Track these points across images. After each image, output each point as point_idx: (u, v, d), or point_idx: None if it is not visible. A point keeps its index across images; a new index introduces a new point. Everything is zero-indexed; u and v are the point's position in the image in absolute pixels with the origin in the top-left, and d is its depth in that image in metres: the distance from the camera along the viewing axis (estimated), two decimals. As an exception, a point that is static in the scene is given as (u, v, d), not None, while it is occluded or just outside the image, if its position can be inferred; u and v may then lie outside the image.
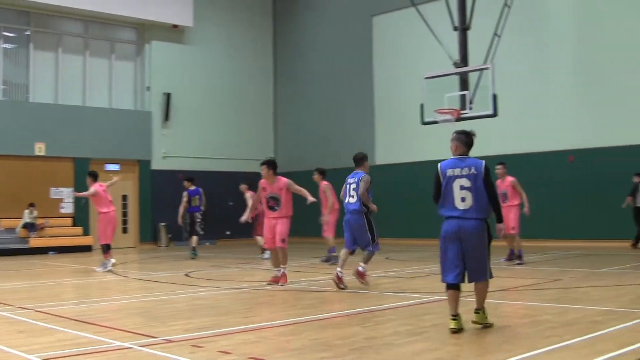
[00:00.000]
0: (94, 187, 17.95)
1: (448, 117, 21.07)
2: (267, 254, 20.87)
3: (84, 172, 26.30)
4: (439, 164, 8.41)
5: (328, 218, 18.36)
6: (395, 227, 27.32)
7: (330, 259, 18.47)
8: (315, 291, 12.64)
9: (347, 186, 12.87)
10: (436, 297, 11.03)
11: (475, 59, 21.95)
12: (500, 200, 9.96)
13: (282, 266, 13.55)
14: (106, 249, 17.95)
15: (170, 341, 7.77)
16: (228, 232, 30.23)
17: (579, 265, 16.53)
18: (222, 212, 28.77)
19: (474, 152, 8.49)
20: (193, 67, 32.29)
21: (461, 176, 8.15)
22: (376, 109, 30.53)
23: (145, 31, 31.15)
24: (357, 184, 12.66)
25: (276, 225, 13.37)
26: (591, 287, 12.06)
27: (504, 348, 7.27)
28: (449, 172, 8.22)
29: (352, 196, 12.69)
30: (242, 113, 33.66)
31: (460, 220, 8.12)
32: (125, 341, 7.77)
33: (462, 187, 8.14)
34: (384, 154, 29.86)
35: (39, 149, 27.66)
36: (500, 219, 8.50)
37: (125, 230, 30.01)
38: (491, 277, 8.33)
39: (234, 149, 33.15)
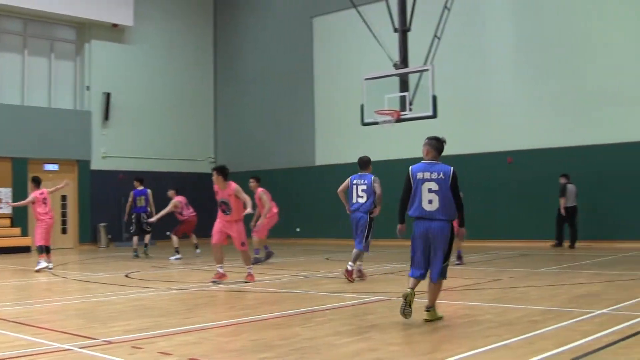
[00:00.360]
0: (33, 195, 18.01)
1: (388, 118, 21.20)
2: (199, 250, 21.80)
3: (23, 172, 26.03)
4: (410, 167, 8.83)
5: (264, 222, 18.44)
6: (335, 228, 27.39)
7: (257, 260, 18.44)
8: (255, 292, 12.66)
9: (354, 187, 13.88)
10: (376, 297, 11.13)
11: (415, 61, 22.09)
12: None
13: (247, 267, 14.19)
14: (44, 250, 17.75)
15: (110, 342, 7.71)
16: (168, 233, 30.03)
17: (517, 265, 16.76)
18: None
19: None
20: (133, 67, 31.98)
21: (430, 179, 8.59)
22: (316, 109, 30.57)
23: (85, 30, 30.72)
24: (368, 185, 13.64)
25: (230, 229, 13.91)
26: (530, 287, 12.23)
27: (444, 348, 7.37)
28: (419, 175, 8.66)
29: (361, 196, 13.77)
30: (182, 113, 33.42)
31: (427, 221, 8.58)
32: (64, 343, 7.69)
33: (430, 190, 8.58)
34: (324, 155, 29.91)
35: (-24, 148, 27.20)
36: (462, 224, 9.02)
37: (64, 231, 29.55)
38: (445, 278, 8.79)
39: (174, 149, 32.90)
